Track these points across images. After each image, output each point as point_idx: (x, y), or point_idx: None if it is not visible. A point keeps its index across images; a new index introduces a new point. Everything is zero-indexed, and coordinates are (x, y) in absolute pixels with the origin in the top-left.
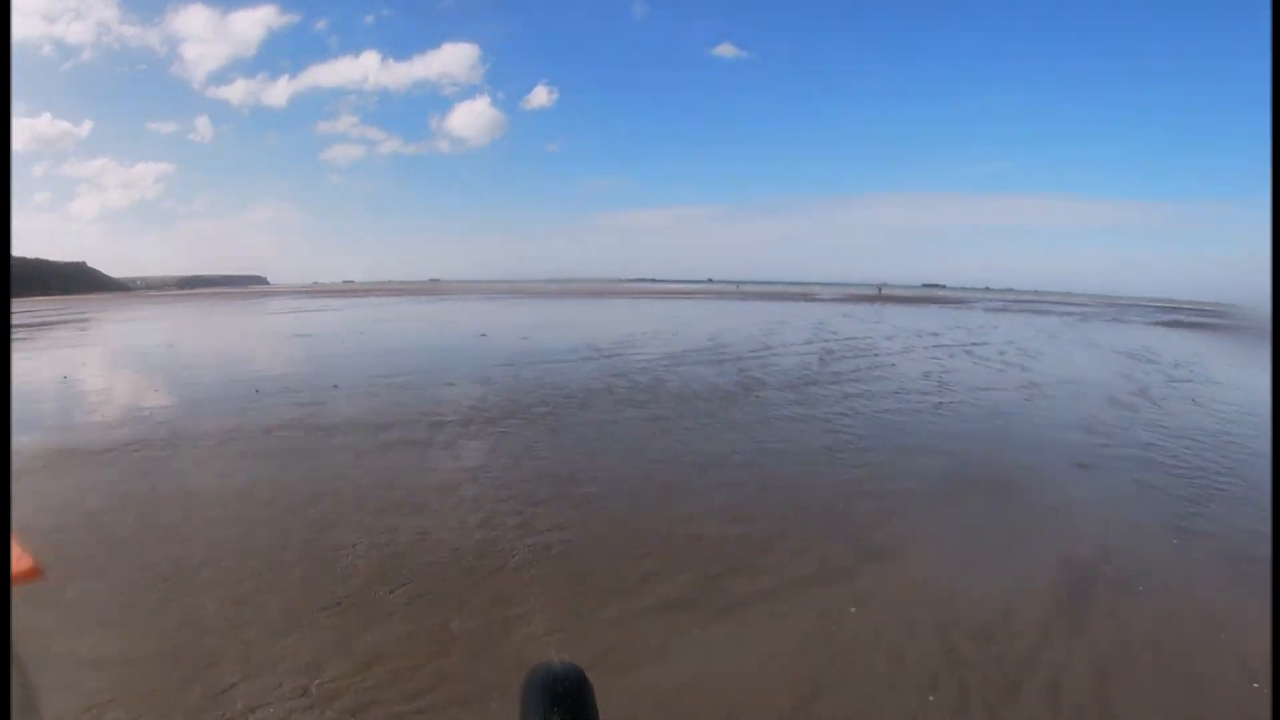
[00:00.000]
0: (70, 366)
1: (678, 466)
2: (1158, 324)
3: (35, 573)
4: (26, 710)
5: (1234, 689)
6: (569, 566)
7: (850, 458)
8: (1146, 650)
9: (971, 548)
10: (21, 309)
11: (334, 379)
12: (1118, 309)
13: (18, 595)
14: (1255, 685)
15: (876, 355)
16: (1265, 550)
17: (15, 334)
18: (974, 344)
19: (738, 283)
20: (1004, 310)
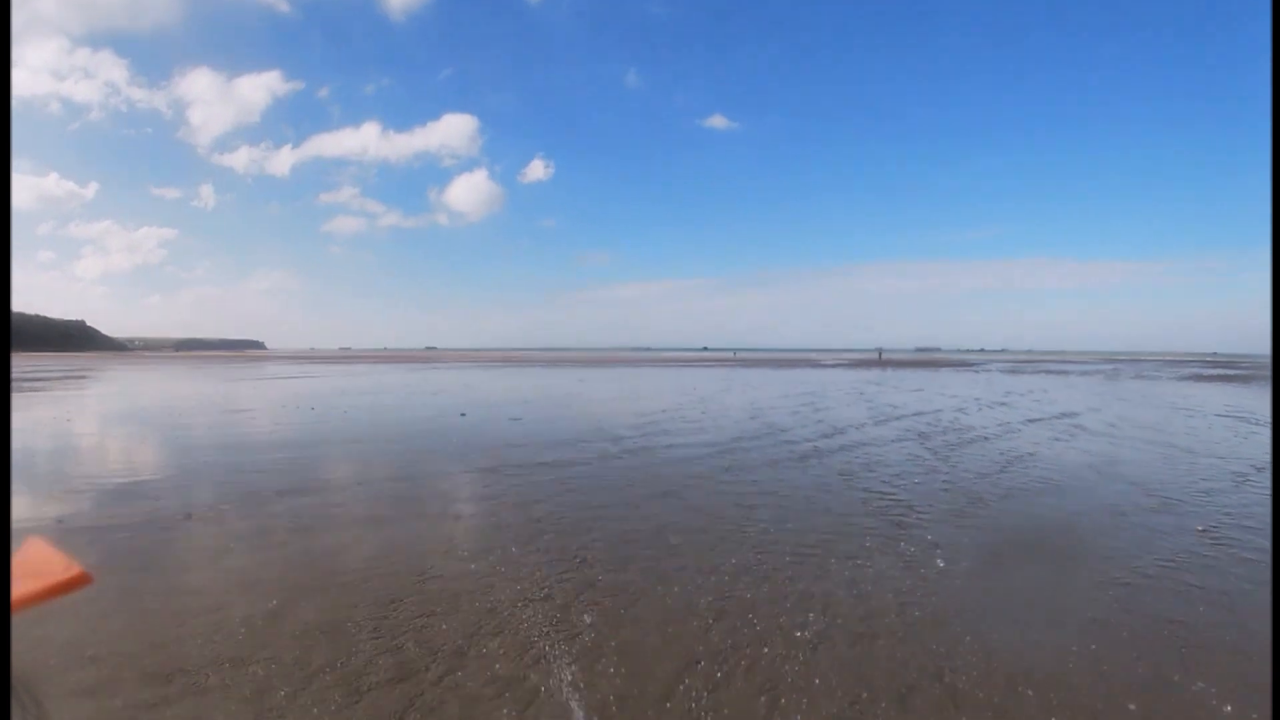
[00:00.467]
0: None
1: None
2: (1194, 378)
3: (84, 579)
4: None
5: None
6: None
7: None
8: None
9: None
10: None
11: (202, 495)
12: (1127, 364)
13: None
14: None
15: (984, 438)
16: None
17: None
18: (1064, 415)
19: (734, 350)
20: (1018, 372)
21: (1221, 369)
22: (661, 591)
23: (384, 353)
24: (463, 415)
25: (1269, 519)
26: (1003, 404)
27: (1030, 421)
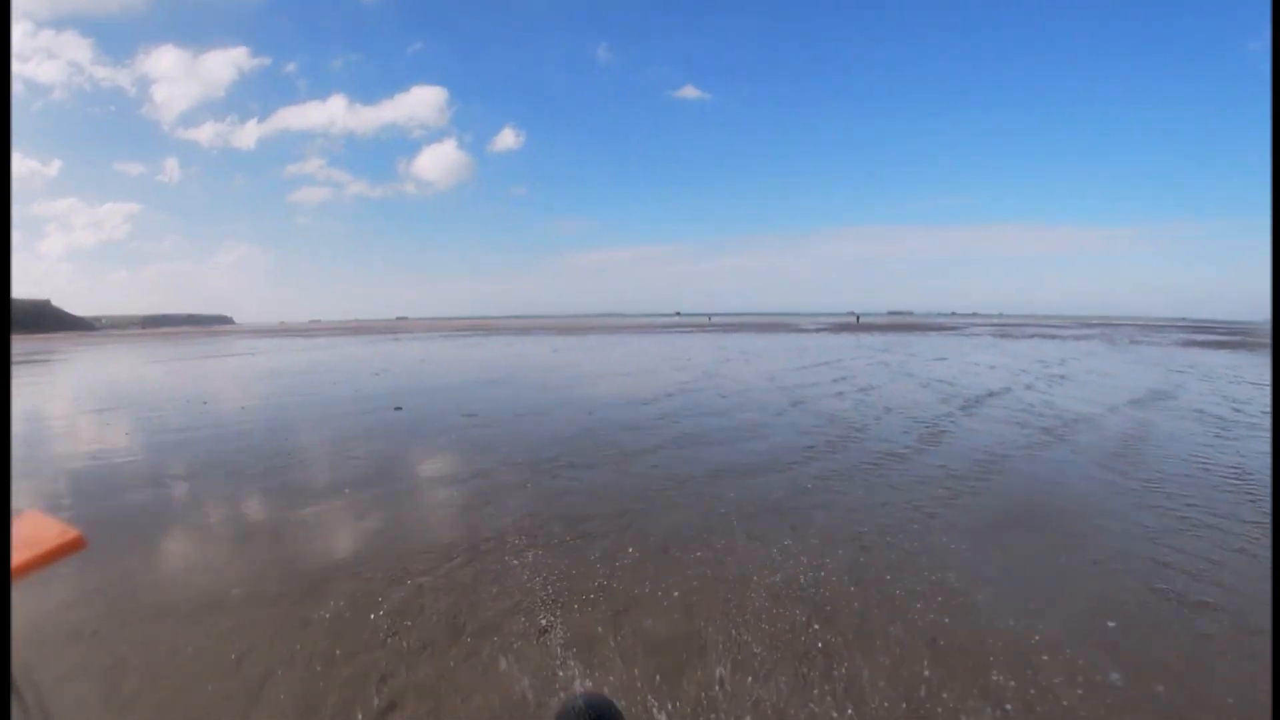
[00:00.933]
0: None
1: None
2: (1189, 344)
3: (79, 543)
4: None
5: None
6: None
7: None
8: None
9: None
10: None
11: None
12: (1107, 329)
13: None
14: None
15: (1138, 438)
16: None
17: None
18: (1158, 394)
19: (709, 315)
20: (1011, 336)
21: (1207, 334)
22: None
23: (353, 324)
24: (398, 409)
25: None
26: (1061, 376)
27: (1136, 403)
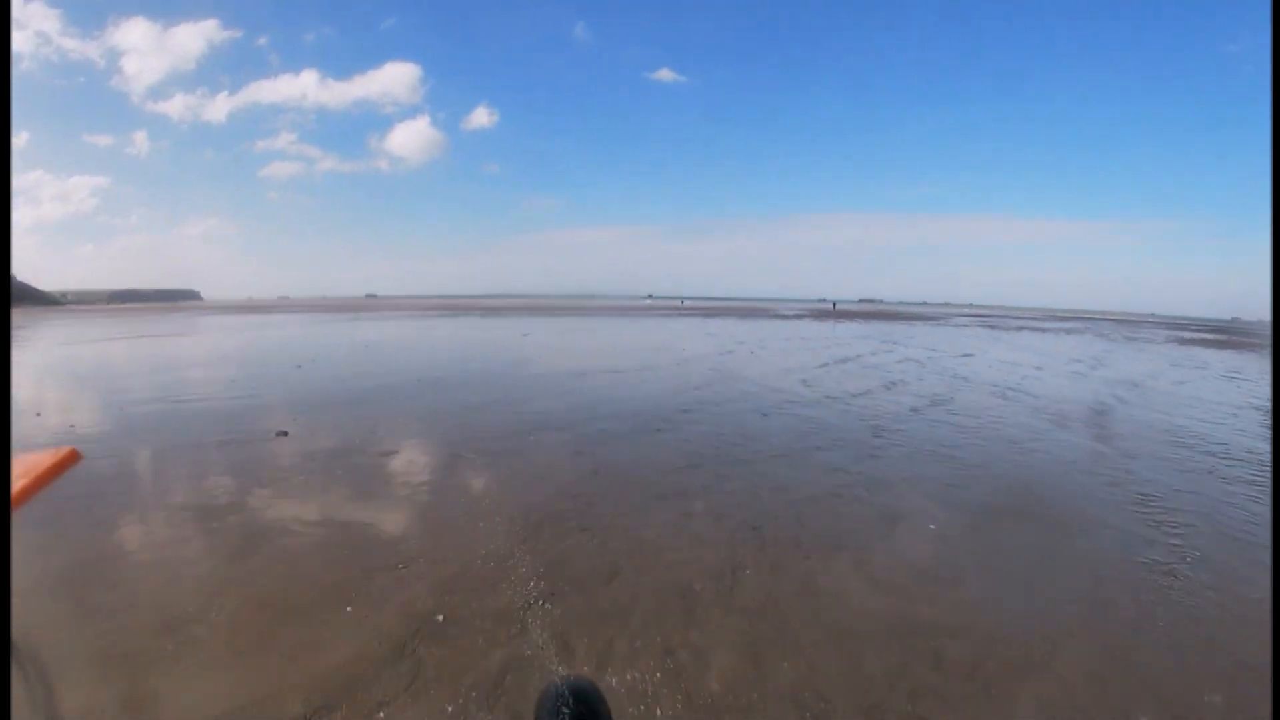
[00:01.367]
0: None
1: None
2: (1182, 341)
3: (74, 456)
4: (37, 709)
5: None
6: None
7: None
8: None
9: None
10: None
11: None
12: (1092, 323)
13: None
14: None
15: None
16: None
17: None
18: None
19: (681, 299)
20: (998, 328)
21: (1196, 333)
22: None
23: (321, 301)
24: (282, 434)
25: None
26: (1132, 383)
27: (1237, 412)
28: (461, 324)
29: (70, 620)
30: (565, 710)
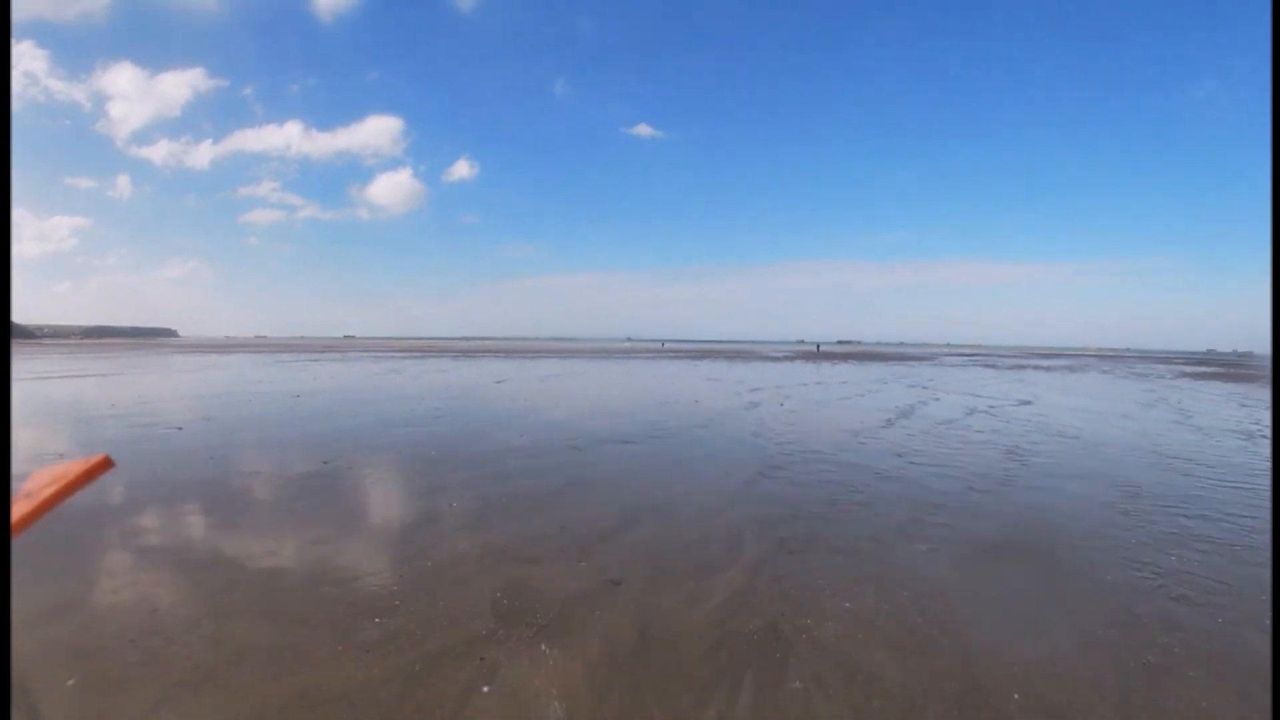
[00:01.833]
0: None
1: None
2: (1185, 375)
3: (106, 463)
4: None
5: None
6: None
7: None
8: None
9: None
10: None
11: None
12: (1072, 359)
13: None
14: None
15: None
16: None
17: None
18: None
19: (662, 341)
20: (996, 366)
21: (1193, 366)
22: None
23: (297, 340)
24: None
25: None
26: (1248, 433)
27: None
28: (428, 367)
29: None
30: None
